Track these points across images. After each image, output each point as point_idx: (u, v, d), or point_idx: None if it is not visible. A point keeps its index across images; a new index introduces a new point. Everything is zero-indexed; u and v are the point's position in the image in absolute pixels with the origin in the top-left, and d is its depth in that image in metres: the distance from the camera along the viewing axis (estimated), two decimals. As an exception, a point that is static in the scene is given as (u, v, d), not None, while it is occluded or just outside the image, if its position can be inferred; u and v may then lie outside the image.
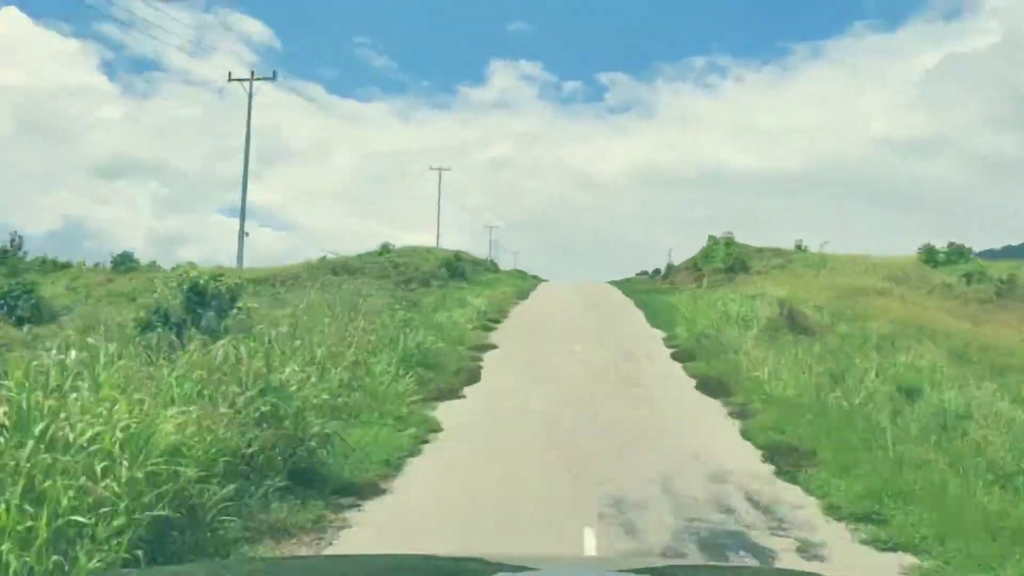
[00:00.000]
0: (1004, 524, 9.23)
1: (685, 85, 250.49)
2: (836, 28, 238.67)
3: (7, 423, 6.81)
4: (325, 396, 12.00)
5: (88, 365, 8.76)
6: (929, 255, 49.15)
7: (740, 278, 46.44)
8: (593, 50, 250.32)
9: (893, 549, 9.04)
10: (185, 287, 15.45)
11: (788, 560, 8.61)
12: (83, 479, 6.55)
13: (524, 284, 57.28)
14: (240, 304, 16.38)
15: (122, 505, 6.69)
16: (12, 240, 49.21)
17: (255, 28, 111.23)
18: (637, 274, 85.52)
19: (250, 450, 9.25)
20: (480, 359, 22.42)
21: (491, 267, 71.13)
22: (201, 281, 15.66)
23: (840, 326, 24.34)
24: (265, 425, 9.70)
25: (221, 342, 10.95)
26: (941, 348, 20.16)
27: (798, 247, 56.80)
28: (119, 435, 7.23)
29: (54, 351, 8.57)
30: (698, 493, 10.87)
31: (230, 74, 41.56)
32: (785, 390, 16.72)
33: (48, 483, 6.31)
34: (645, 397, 17.79)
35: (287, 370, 11.20)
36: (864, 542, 9.33)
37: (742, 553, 8.85)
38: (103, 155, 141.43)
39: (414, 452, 12.48)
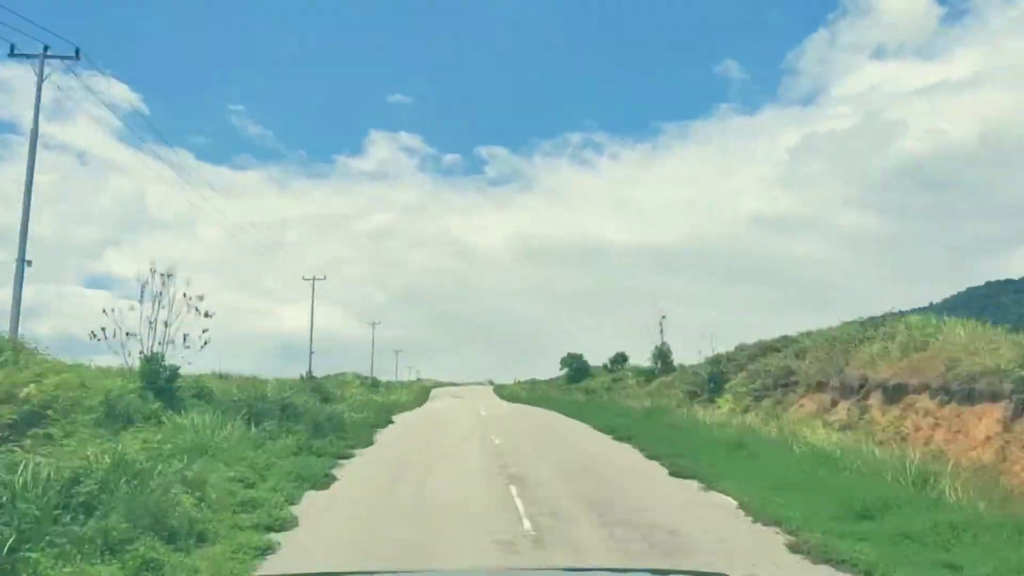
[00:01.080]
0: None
1: (562, 160, 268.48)
2: (702, 110, 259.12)
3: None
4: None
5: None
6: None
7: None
8: (472, 124, 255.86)
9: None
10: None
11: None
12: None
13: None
14: None
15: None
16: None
17: (120, 91, 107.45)
18: (561, 370, 66.39)
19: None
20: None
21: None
22: None
23: None
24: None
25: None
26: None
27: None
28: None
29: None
30: None
31: (12, 48, 30.40)
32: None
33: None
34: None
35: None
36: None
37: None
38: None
39: None
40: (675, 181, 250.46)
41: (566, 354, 64.13)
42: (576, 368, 59.98)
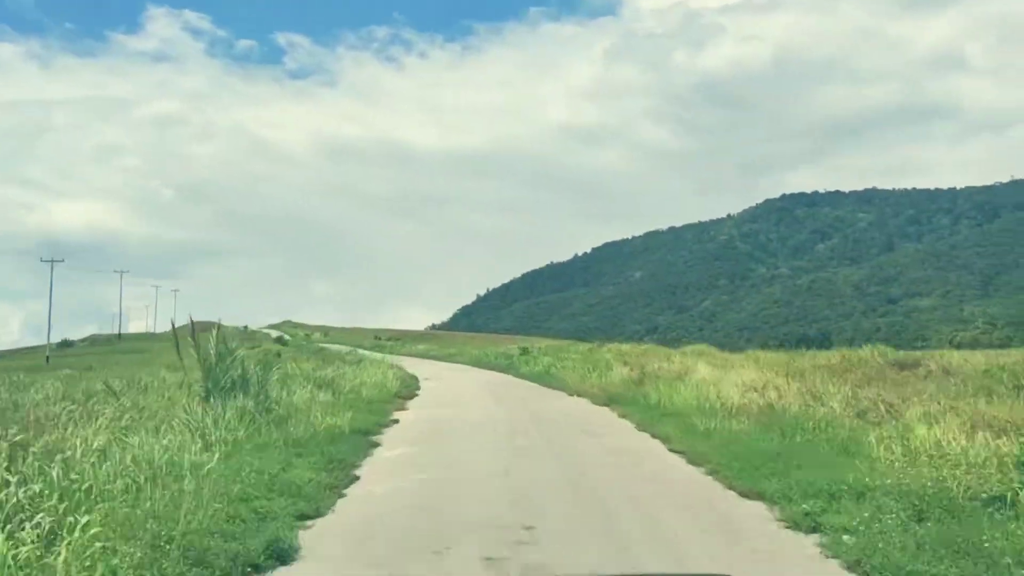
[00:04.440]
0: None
1: (368, 55, 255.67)
2: (514, 12, 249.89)
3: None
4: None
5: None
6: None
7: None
8: (267, 6, 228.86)
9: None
10: None
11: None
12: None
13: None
14: None
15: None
16: None
17: None
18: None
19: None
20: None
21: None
22: None
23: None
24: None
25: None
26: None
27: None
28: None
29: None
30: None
31: None
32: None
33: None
34: None
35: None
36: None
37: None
38: None
39: None
40: (485, 85, 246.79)
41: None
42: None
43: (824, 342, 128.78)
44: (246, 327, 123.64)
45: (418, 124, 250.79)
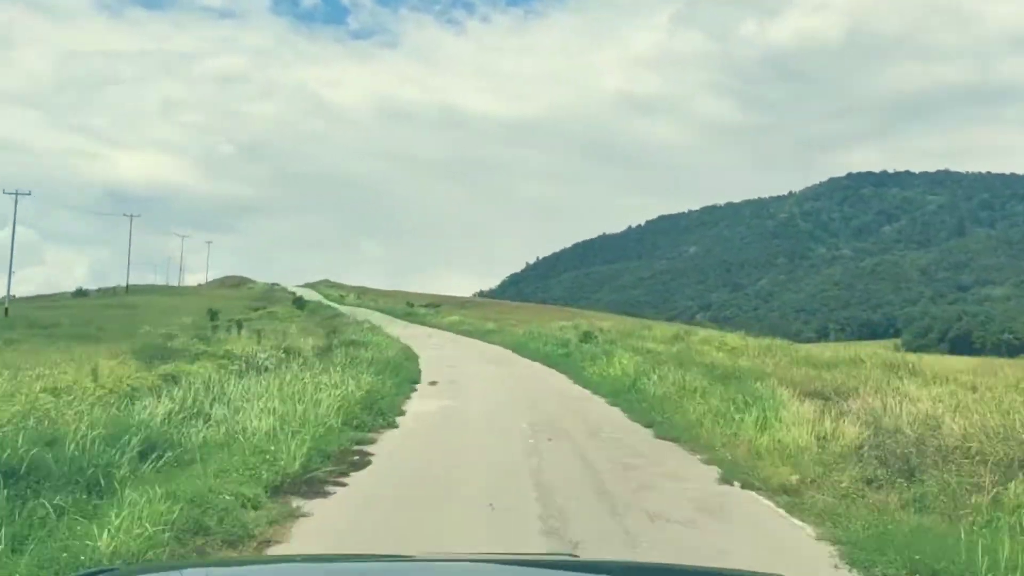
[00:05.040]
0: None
1: (429, 17, 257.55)
2: None
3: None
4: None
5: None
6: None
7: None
8: None
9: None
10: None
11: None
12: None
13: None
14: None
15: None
16: None
17: None
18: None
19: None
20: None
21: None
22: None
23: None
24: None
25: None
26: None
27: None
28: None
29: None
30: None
31: None
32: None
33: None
34: None
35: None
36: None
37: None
38: None
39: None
40: (546, 51, 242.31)
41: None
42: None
43: (889, 328, 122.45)
44: (275, 284, 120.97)
45: (476, 89, 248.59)
